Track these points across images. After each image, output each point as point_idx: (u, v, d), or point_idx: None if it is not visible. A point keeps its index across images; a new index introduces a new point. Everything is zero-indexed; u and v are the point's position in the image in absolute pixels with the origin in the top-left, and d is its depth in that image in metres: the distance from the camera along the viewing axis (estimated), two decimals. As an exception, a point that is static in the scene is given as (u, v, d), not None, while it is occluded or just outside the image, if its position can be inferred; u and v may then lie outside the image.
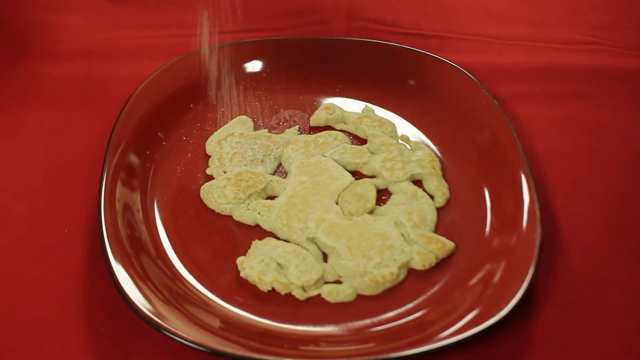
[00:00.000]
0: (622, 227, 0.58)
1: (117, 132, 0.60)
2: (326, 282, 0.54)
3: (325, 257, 0.56)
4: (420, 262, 0.54)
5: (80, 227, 0.58)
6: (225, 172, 0.61)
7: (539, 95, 0.70)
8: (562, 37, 0.76)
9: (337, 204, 0.58)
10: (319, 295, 0.53)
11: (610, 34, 0.76)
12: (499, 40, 0.76)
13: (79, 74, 0.72)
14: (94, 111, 0.67)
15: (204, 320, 0.50)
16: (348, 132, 0.66)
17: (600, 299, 0.53)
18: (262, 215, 0.58)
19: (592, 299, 0.53)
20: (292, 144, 0.64)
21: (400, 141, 0.64)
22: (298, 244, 0.56)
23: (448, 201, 0.59)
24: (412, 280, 0.54)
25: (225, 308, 0.52)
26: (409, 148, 0.63)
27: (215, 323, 0.51)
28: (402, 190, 0.60)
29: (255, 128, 0.66)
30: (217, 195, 0.59)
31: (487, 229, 0.56)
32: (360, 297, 0.53)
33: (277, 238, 0.57)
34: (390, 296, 0.53)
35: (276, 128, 0.66)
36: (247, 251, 0.56)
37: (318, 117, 0.66)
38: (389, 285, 0.53)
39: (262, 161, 0.62)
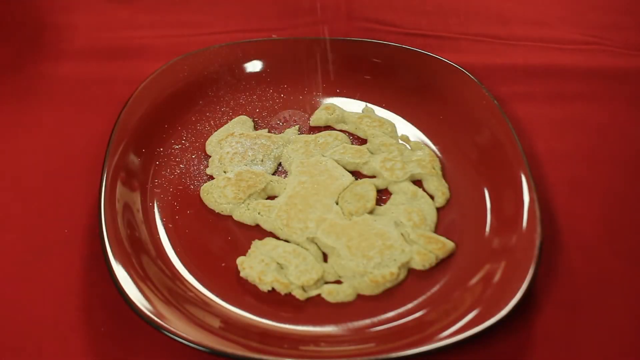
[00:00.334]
0: (622, 227, 0.58)
1: (117, 132, 0.60)
2: (326, 282, 0.54)
3: (325, 257, 0.56)
4: (420, 262, 0.54)
5: (80, 227, 0.58)
6: (225, 172, 0.61)
7: (539, 95, 0.70)
8: (562, 37, 0.76)
9: (337, 204, 0.58)
10: (319, 295, 0.53)
11: (610, 34, 0.76)
12: (499, 40, 0.76)
13: (79, 74, 0.72)
14: (94, 111, 0.67)
15: (204, 320, 0.50)
16: (348, 132, 0.66)
17: (600, 299, 0.53)
18: (262, 215, 0.58)
19: (592, 299, 0.53)
20: (292, 144, 0.64)
21: (400, 141, 0.64)
22: (298, 244, 0.56)
23: (448, 201, 0.59)
24: (412, 280, 0.54)
25: (225, 308, 0.52)
26: (409, 148, 0.63)
27: (215, 323, 0.51)
28: (402, 190, 0.60)
29: (255, 128, 0.66)
30: (217, 195, 0.59)
31: (487, 229, 0.56)
32: (360, 297, 0.53)
33: (277, 238, 0.57)
34: (390, 296, 0.53)
35: (276, 128, 0.66)
36: (247, 251, 0.56)
37: (318, 117, 0.66)
38: (389, 285, 0.53)
39: (262, 161, 0.62)
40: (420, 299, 0.53)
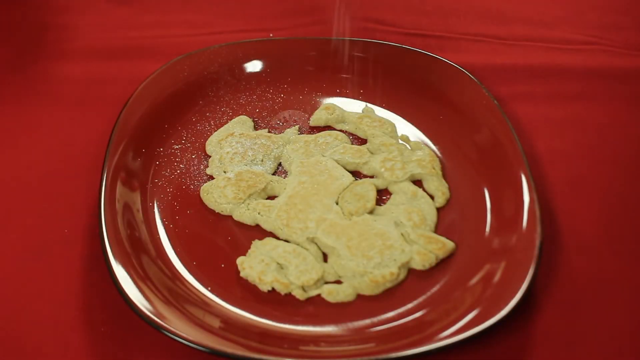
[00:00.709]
0: (622, 227, 0.58)
1: (117, 132, 0.60)
2: (326, 282, 0.54)
3: (325, 257, 0.56)
4: (420, 262, 0.54)
5: (80, 227, 0.58)
6: (225, 172, 0.61)
7: (539, 95, 0.70)
8: (562, 37, 0.76)
9: (337, 204, 0.58)
10: (319, 295, 0.53)
11: (610, 34, 0.76)
12: (499, 40, 0.76)
13: (79, 74, 0.72)
14: (94, 111, 0.67)
15: (204, 320, 0.50)
16: (348, 132, 0.66)
17: (600, 299, 0.53)
18: (262, 215, 0.58)
19: (592, 299, 0.53)
20: (292, 144, 0.64)
21: (400, 141, 0.64)
22: (298, 244, 0.56)
23: (448, 201, 0.59)
24: (412, 280, 0.54)
25: (225, 308, 0.52)
26: (409, 148, 0.63)
27: (215, 323, 0.51)
28: (402, 190, 0.60)
29: (255, 128, 0.66)
30: (217, 195, 0.59)
31: (487, 229, 0.56)
32: (360, 297, 0.53)
33: (277, 238, 0.57)
34: (390, 296, 0.53)
35: (276, 128, 0.66)
36: (247, 251, 0.56)
37: (318, 117, 0.66)
38: (389, 285, 0.53)
39: (262, 161, 0.62)
40: (420, 299, 0.53)
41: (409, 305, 0.52)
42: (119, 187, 0.57)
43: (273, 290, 0.53)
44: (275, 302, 0.53)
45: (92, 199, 0.58)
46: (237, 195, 0.59)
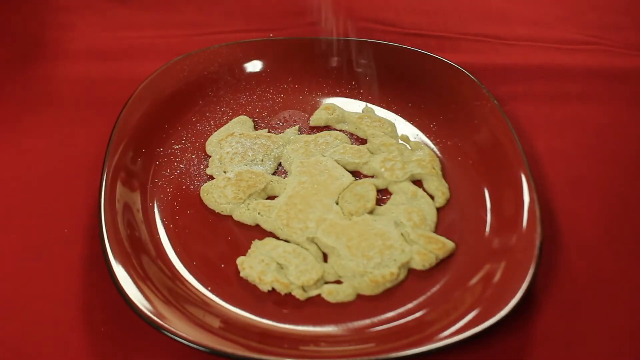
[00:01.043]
0: (622, 227, 0.58)
1: (117, 132, 0.60)
2: (326, 282, 0.54)
3: (325, 257, 0.56)
4: (420, 262, 0.54)
5: (80, 227, 0.58)
6: (225, 172, 0.61)
7: (539, 95, 0.70)
8: (562, 37, 0.76)
9: (337, 204, 0.58)
10: (319, 295, 0.53)
11: (610, 34, 0.76)
12: (499, 40, 0.76)
13: (79, 74, 0.72)
14: (94, 111, 0.67)
15: (204, 320, 0.50)
16: (348, 132, 0.66)
17: (600, 299, 0.53)
18: (262, 215, 0.58)
19: (592, 299, 0.53)
20: (292, 144, 0.64)
21: (400, 141, 0.64)
22: (298, 244, 0.56)
23: (448, 201, 0.59)
24: (412, 280, 0.54)
25: (225, 308, 0.52)
26: (409, 148, 0.63)
27: (215, 323, 0.51)
28: (402, 190, 0.60)
29: (255, 128, 0.66)
30: (217, 195, 0.59)
31: (487, 229, 0.56)
32: (360, 297, 0.53)
33: (277, 238, 0.57)
34: (390, 296, 0.53)
35: (276, 128, 0.66)
36: (247, 251, 0.56)
37: (318, 117, 0.66)
38: (389, 285, 0.53)
39: (262, 161, 0.62)
40: (420, 299, 0.53)
41: (409, 305, 0.52)
42: (119, 187, 0.57)
43: (273, 290, 0.53)
44: (275, 302, 0.53)
45: (92, 199, 0.58)
46: (237, 195, 0.59)
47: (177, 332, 0.48)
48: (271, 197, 0.60)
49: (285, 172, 0.62)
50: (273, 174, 0.62)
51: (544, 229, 0.53)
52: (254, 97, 0.69)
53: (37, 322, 0.52)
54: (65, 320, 0.52)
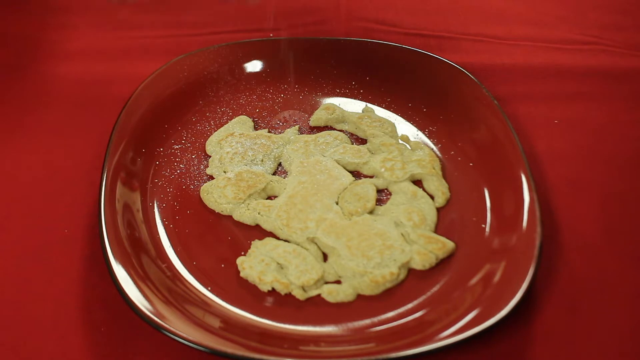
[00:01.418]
0: (622, 226, 0.58)
1: (117, 132, 0.60)
2: (326, 282, 0.54)
3: (325, 257, 0.56)
4: (420, 262, 0.54)
5: (80, 227, 0.58)
6: (225, 172, 0.61)
7: (539, 95, 0.70)
8: (562, 37, 0.76)
9: (337, 204, 0.58)
10: (319, 295, 0.53)
11: (610, 34, 0.76)
12: (499, 40, 0.76)
13: (79, 74, 0.72)
14: (94, 111, 0.67)
15: (204, 320, 0.50)
16: (348, 132, 0.66)
17: (600, 299, 0.53)
18: (262, 215, 0.58)
19: (592, 299, 0.53)
20: (292, 144, 0.64)
21: (400, 141, 0.64)
22: (298, 244, 0.56)
23: (448, 201, 0.59)
24: (412, 280, 0.54)
25: (225, 308, 0.52)
26: (409, 148, 0.63)
27: (215, 323, 0.51)
28: (402, 190, 0.60)
29: (255, 128, 0.66)
30: (217, 195, 0.59)
31: (487, 229, 0.56)
32: (360, 297, 0.53)
33: (277, 238, 0.57)
34: (390, 296, 0.53)
35: (276, 128, 0.66)
36: (247, 251, 0.56)
37: (318, 117, 0.66)
38: (389, 285, 0.53)
39: (262, 161, 0.62)
40: (420, 299, 0.53)
41: (409, 305, 0.52)
42: (119, 187, 0.57)
43: (273, 290, 0.53)
44: (275, 302, 0.53)
45: (92, 199, 0.58)
46: (237, 195, 0.59)
47: (177, 332, 0.48)
48: (271, 197, 0.60)
49: (285, 172, 0.62)
50: (273, 174, 0.62)
51: (544, 229, 0.53)
52: (254, 97, 0.69)
53: (37, 322, 0.52)
54: (65, 320, 0.52)
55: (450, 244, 0.55)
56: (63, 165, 0.63)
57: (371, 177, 0.62)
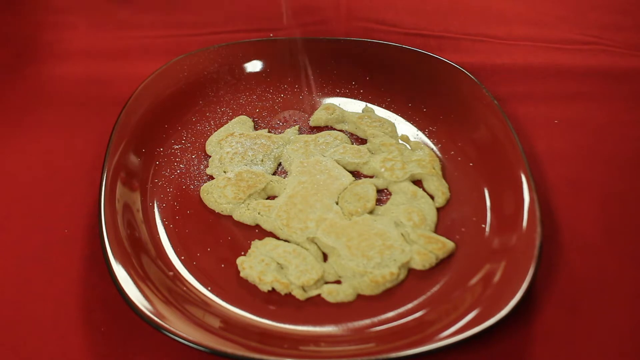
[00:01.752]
0: (622, 226, 0.58)
1: (117, 132, 0.60)
2: (326, 282, 0.54)
3: (325, 257, 0.56)
4: (420, 262, 0.54)
5: (80, 227, 0.58)
6: (225, 172, 0.61)
7: (539, 95, 0.70)
8: (562, 37, 0.76)
9: (337, 204, 0.58)
10: (319, 295, 0.53)
11: (610, 34, 0.76)
12: (499, 40, 0.76)
13: (79, 74, 0.72)
14: (94, 111, 0.67)
15: (204, 320, 0.50)
16: (348, 132, 0.66)
17: (600, 299, 0.53)
18: (262, 215, 0.58)
19: (592, 299, 0.53)
20: (292, 144, 0.64)
21: (400, 141, 0.64)
22: (298, 244, 0.56)
23: (448, 201, 0.59)
24: (412, 280, 0.54)
25: (225, 308, 0.52)
26: (409, 148, 0.63)
27: (215, 323, 0.51)
28: (402, 190, 0.60)
29: (255, 128, 0.66)
30: (217, 195, 0.59)
31: (487, 229, 0.56)
32: (360, 297, 0.53)
33: (277, 238, 0.57)
34: (390, 296, 0.53)
35: (276, 128, 0.66)
36: (247, 251, 0.56)
37: (318, 117, 0.66)
38: (389, 285, 0.53)
39: (262, 161, 0.62)
40: (420, 299, 0.53)
41: (409, 305, 0.52)
42: (119, 187, 0.57)
43: (273, 290, 0.53)
44: (275, 302, 0.53)
45: (92, 199, 0.58)
46: (237, 195, 0.59)
47: (177, 332, 0.48)
48: (271, 197, 0.60)
49: (285, 172, 0.62)
50: (273, 174, 0.62)
51: (544, 229, 0.53)
52: (254, 97, 0.69)
53: (37, 322, 0.52)
54: (65, 320, 0.52)
55: (450, 244, 0.55)
56: (63, 165, 0.63)
57: (371, 177, 0.62)
